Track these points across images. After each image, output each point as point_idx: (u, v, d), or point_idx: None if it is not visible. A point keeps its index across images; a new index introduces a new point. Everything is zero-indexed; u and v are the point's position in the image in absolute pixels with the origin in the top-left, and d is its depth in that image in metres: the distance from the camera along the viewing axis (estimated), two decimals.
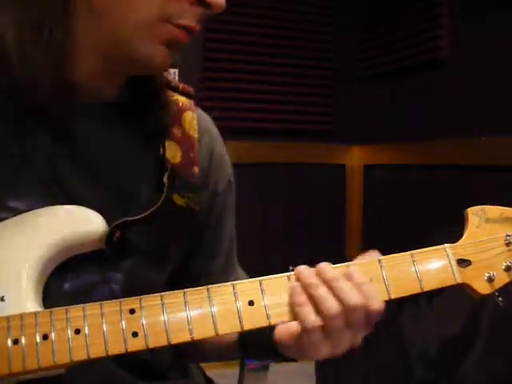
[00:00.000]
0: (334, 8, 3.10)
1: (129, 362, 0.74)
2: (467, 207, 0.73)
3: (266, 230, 2.91)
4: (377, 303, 0.65)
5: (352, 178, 3.19)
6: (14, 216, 0.69)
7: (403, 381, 1.78)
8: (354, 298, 0.64)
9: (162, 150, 0.77)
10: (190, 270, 0.87)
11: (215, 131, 0.90)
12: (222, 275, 0.89)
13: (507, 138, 2.24)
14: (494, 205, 0.73)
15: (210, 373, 0.94)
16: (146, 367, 0.79)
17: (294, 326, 0.65)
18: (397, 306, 1.82)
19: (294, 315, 0.65)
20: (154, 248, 0.76)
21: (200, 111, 0.88)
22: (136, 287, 0.65)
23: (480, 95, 2.40)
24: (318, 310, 0.64)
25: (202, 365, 0.94)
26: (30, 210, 0.69)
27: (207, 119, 0.89)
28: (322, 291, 0.64)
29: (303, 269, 0.66)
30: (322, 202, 3.09)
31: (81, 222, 0.70)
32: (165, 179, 0.74)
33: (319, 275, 0.65)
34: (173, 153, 0.78)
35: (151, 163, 0.77)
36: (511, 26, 2.26)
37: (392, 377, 1.80)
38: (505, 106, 2.29)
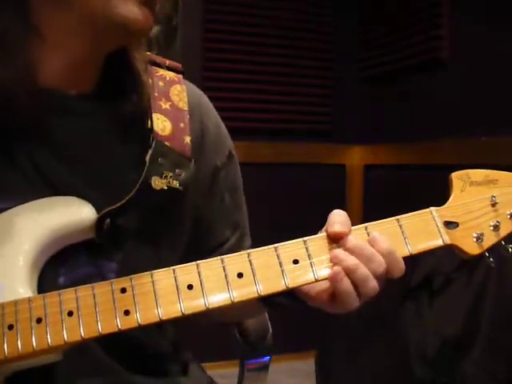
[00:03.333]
0: (333, 8, 3.10)
1: (128, 355, 0.75)
2: None
3: (266, 230, 2.90)
4: (398, 269, 0.66)
5: (352, 177, 3.19)
6: None
7: (403, 380, 1.78)
8: (381, 264, 0.65)
9: (149, 124, 0.76)
10: (201, 247, 0.86)
11: (207, 103, 0.89)
12: (236, 246, 0.89)
13: (507, 138, 2.24)
14: None
15: (210, 372, 0.94)
16: (145, 360, 0.79)
17: (325, 285, 0.66)
18: (397, 305, 1.82)
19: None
20: (145, 233, 0.76)
21: (190, 84, 0.87)
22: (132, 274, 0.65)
23: (480, 95, 2.40)
24: (351, 278, 0.65)
25: (202, 364, 0.94)
26: None
27: (197, 92, 0.88)
28: (352, 261, 0.65)
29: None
30: (322, 202, 3.09)
31: (71, 212, 0.70)
32: (147, 158, 0.73)
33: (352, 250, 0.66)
34: (161, 125, 0.77)
35: (138, 144, 0.76)
36: (511, 26, 2.26)
37: (392, 376, 1.80)
38: (505, 105, 2.29)
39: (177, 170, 0.75)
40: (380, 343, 1.85)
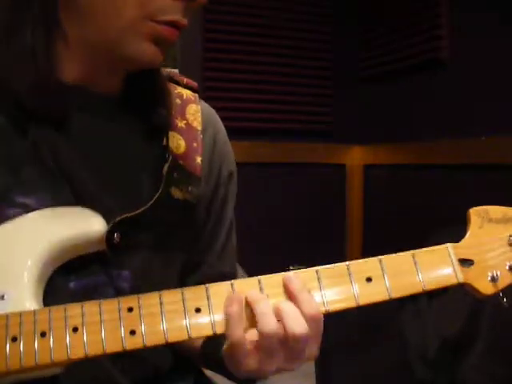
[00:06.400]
0: (333, 8, 3.10)
1: (128, 367, 0.74)
2: (467, 207, 0.73)
3: (266, 230, 2.90)
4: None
5: (352, 177, 3.19)
6: (22, 212, 0.69)
7: (403, 380, 1.78)
8: (299, 328, 0.62)
9: (165, 141, 0.77)
10: (190, 259, 0.87)
11: (219, 123, 0.91)
12: (218, 262, 0.89)
13: (507, 138, 2.24)
14: (493, 204, 0.72)
15: (209, 372, 0.94)
16: (146, 373, 0.79)
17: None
18: (397, 306, 1.82)
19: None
20: (159, 242, 0.76)
21: (204, 104, 0.89)
22: (146, 284, 0.65)
23: (480, 95, 2.40)
24: (256, 328, 0.62)
25: None
26: (37, 205, 0.70)
27: (211, 112, 0.90)
28: (263, 307, 0.62)
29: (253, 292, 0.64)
30: (322, 202, 3.09)
31: (81, 224, 0.70)
32: (164, 171, 0.74)
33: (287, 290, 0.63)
34: (176, 143, 0.78)
35: (154, 156, 0.77)
36: (511, 26, 2.26)
37: (392, 376, 1.80)
38: (505, 105, 2.29)
39: (189, 187, 0.78)
40: (380, 344, 1.85)
